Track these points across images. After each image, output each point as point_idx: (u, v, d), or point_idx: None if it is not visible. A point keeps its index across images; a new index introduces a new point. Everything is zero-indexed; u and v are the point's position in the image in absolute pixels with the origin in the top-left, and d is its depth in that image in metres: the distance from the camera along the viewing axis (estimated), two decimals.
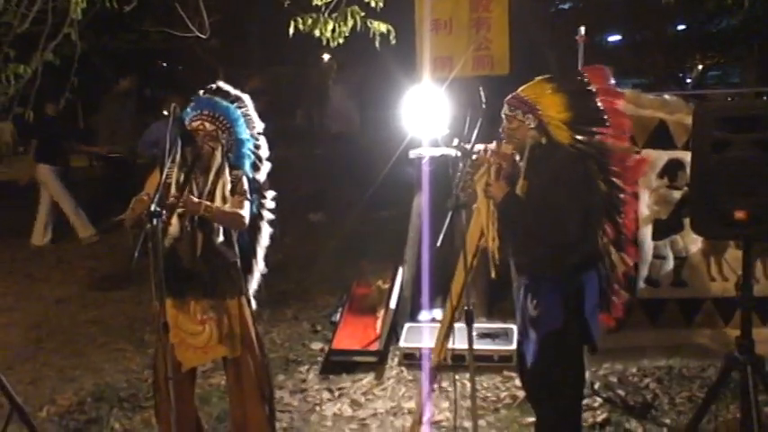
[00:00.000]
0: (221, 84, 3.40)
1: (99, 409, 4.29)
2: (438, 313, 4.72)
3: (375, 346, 4.76)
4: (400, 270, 5.27)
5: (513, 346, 4.33)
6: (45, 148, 8.14)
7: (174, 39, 5.30)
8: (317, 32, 4.09)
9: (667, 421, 3.86)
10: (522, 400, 3.98)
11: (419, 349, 4.54)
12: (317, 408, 4.22)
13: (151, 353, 3.42)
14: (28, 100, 4.02)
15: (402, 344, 4.76)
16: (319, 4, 4.09)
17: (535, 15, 7.08)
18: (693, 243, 3.95)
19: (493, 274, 3.30)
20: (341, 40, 4.16)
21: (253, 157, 3.43)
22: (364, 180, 7.27)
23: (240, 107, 3.38)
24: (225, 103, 3.33)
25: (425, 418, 3.68)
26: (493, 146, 3.12)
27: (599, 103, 3.05)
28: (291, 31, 4.13)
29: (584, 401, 3.89)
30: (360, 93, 8.80)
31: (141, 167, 7.49)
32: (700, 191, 2.89)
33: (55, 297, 6.52)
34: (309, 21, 4.05)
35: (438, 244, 2.79)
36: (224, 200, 3.19)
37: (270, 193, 3.50)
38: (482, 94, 3.08)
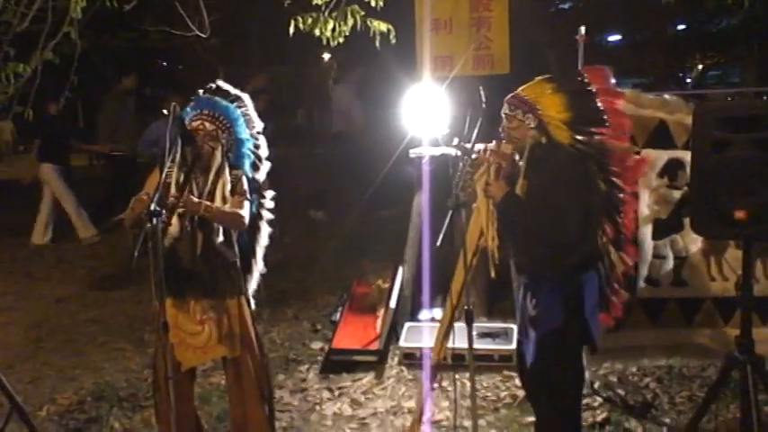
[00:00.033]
0: (221, 83, 3.40)
1: (99, 409, 4.29)
2: (438, 313, 4.72)
3: (375, 346, 4.76)
4: (400, 269, 5.27)
5: (514, 346, 4.33)
6: (48, 147, 8.15)
7: (174, 38, 5.30)
8: (317, 32, 4.08)
9: (667, 421, 3.86)
10: (522, 400, 3.98)
11: (419, 349, 4.54)
12: (317, 407, 4.23)
13: (151, 352, 3.43)
14: (28, 99, 4.02)
15: (402, 343, 4.76)
16: (319, 3, 4.09)
17: (535, 15, 7.08)
18: (693, 243, 3.96)
19: (492, 274, 3.30)
20: (341, 40, 4.16)
21: (252, 156, 3.43)
22: (364, 179, 7.27)
23: (240, 107, 3.37)
24: (225, 102, 3.33)
25: (425, 418, 3.68)
26: (493, 145, 3.11)
27: (599, 104, 3.05)
28: (291, 30, 4.12)
29: (584, 401, 3.90)
30: (363, 92, 8.80)
31: (143, 166, 7.50)
32: (700, 190, 2.89)
33: (55, 296, 6.52)
34: (309, 20, 4.05)
35: (438, 243, 2.79)
36: (224, 200, 3.19)
37: (269, 193, 3.49)
38: (482, 93, 3.08)
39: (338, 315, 5.26)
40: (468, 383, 3.27)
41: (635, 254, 3.42)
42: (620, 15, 10.79)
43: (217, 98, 3.33)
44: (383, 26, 4.15)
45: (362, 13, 4.05)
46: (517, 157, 3.08)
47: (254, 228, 3.43)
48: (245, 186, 3.29)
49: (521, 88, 3.10)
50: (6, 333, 5.63)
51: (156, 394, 3.31)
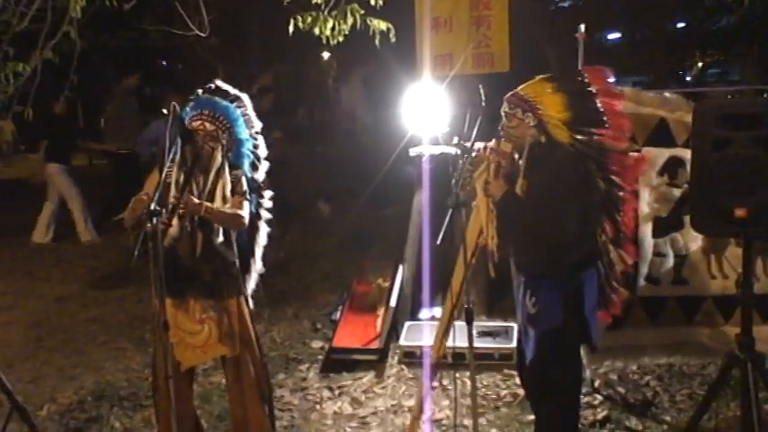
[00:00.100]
0: (220, 83, 3.39)
1: (99, 408, 4.29)
2: (438, 311, 4.72)
3: (375, 345, 4.76)
4: (400, 268, 5.27)
5: (514, 344, 4.34)
6: (55, 147, 8.18)
7: (173, 37, 5.29)
8: (316, 31, 4.08)
9: (668, 419, 3.86)
10: (523, 398, 3.98)
11: (419, 347, 4.55)
12: (318, 406, 4.23)
13: (151, 351, 3.42)
14: (28, 98, 4.02)
15: (402, 342, 4.76)
16: (319, 2, 4.08)
17: (535, 13, 7.07)
18: (694, 241, 3.96)
19: (491, 272, 3.30)
20: (341, 39, 4.15)
21: (252, 156, 3.43)
22: (365, 178, 7.27)
23: (239, 107, 3.37)
24: (224, 102, 3.32)
25: (425, 416, 3.68)
26: (492, 144, 3.11)
27: (599, 104, 3.04)
28: (291, 29, 4.12)
29: (585, 399, 3.90)
30: (369, 91, 8.81)
31: (146, 164, 7.51)
32: (700, 188, 2.89)
33: (55, 295, 6.52)
34: (309, 19, 4.05)
35: (438, 242, 2.80)
36: (224, 200, 3.19)
37: (268, 193, 3.49)
38: (482, 91, 3.07)
39: (338, 314, 5.26)
40: (469, 382, 3.27)
41: (634, 252, 3.42)
42: (619, 13, 10.79)
43: (216, 98, 3.32)
44: (383, 25, 4.14)
45: (362, 11, 4.04)
46: (517, 156, 3.08)
47: (252, 227, 3.43)
48: (245, 186, 3.29)
49: (520, 87, 3.10)
50: (7, 332, 5.64)
51: (155, 394, 3.31)
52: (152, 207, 2.72)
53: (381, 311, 5.11)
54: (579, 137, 3.01)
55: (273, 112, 7.77)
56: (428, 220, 4.76)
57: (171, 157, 3.02)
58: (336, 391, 4.38)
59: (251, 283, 3.51)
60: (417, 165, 4.98)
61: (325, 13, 4.06)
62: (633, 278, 3.81)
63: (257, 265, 3.51)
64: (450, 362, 3.57)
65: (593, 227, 3.10)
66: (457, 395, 3.58)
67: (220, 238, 3.22)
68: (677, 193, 3.89)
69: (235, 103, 3.35)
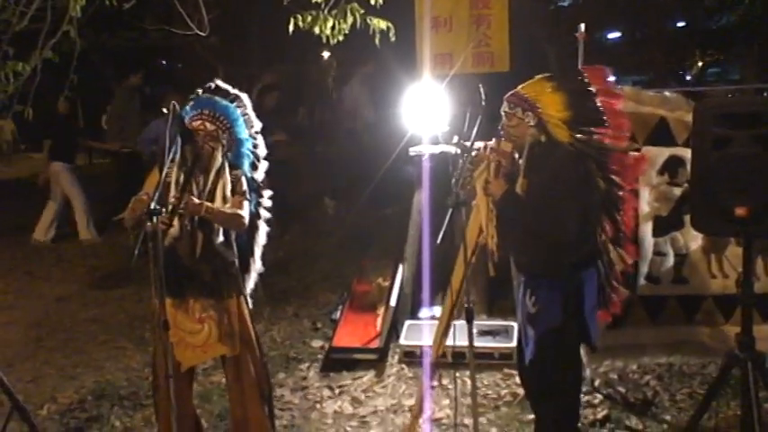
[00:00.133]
0: (220, 82, 3.39)
1: (100, 407, 4.29)
2: (438, 311, 4.72)
3: (375, 344, 4.76)
4: (400, 267, 5.27)
5: (514, 344, 4.34)
6: (59, 145, 8.20)
7: (173, 36, 5.29)
8: (316, 30, 4.08)
9: (668, 418, 3.86)
10: (523, 398, 3.97)
11: (419, 346, 4.55)
12: (318, 405, 4.23)
13: (151, 351, 3.42)
14: (27, 98, 4.01)
15: (402, 341, 4.76)
16: (319, 1, 4.08)
17: (535, 12, 7.08)
18: (694, 240, 3.95)
19: (491, 271, 3.30)
20: (340, 38, 4.15)
21: (251, 156, 3.43)
22: (365, 178, 7.27)
23: (239, 106, 3.37)
24: (225, 102, 3.32)
25: (424, 415, 3.68)
26: (492, 143, 3.11)
27: (598, 104, 3.04)
28: (291, 28, 4.12)
29: (585, 398, 3.90)
30: (371, 90, 8.77)
31: (149, 163, 7.51)
32: (700, 188, 2.89)
33: (55, 295, 6.52)
34: (309, 18, 4.04)
35: (438, 241, 2.80)
36: (224, 200, 3.19)
37: (267, 192, 3.49)
38: (482, 91, 3.07)
39: (338, 313, 5.26)
40: (469, 381, 3.27)
41: (634, 252, 3.42)
42: (619, 13, 10.78)
43: (217, 98, 3.32)
44: (383, 24, 4.14)
45: (362, 10, 4.04)
46: (517, 156, 3.08)
47: (252, 227, 3.42)
48: (245, 186, 3.29)
49: (521, 86, 3.10)
50: (7, 332, 5.64)
51: (155, 393, 3.31)
52: (152, 206, 2.72)
53: (381, 311, 5.11)
54: (579, 136, 3.01)
55: (278, 110, 7.79)
56: (428, 220, 4.76)
57: (171, 156, 3.02)
58: (336, 391, 4.38)
59: (250, 283, 3.51)
60: (417, 164, 4.98)
61: (325, 12, 4.05)
62: (633, 277, 3.81)
63: (256, 265, 3.51)
64: (451, 361, 3.57)
65: (593, 226, 3.10)
66: (457, 394, 3.58)
67: (220, 238, 3.22)
68: (677, 192, 3.89)
69: (235, 103, 3.35)
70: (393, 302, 5.10)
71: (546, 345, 3.04)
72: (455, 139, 3.16)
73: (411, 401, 4.15)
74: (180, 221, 3.10)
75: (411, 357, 4.64)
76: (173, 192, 3.09)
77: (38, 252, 7.99)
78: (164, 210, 2.83)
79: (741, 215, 2.76)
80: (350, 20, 4.03)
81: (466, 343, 3.07)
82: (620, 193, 3.08)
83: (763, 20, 10.64)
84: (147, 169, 3.38)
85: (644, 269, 3.96)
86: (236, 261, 3.33)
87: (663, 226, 3.95)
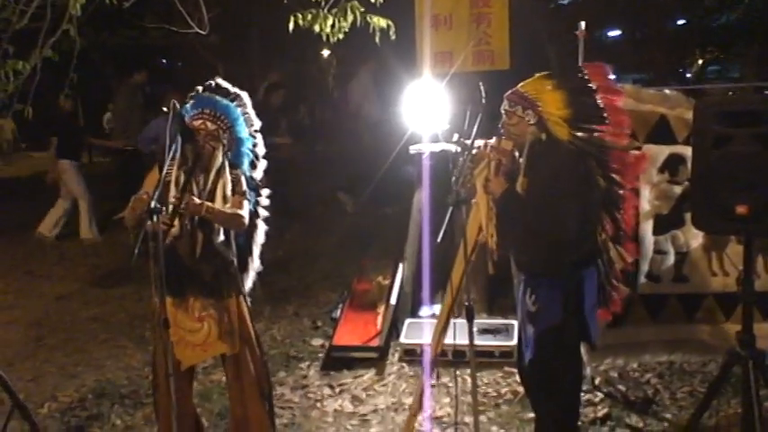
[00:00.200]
0: (220, 81, 3.38)
1: (100, 406, 4.29)
2: (438, 309, 4.72)
3: (376, 342, 4.77)
4: (401, 266, 5.27)
5: (514, 342, 4.34)
6: (66, 143, 8.21)
7: (173, 35, 5.29)
8: (316, 28, 4.07)
9: (668, 416, 3.86)
10: (523, 396, 3.97)
11: (420, 345, 4.55)
12: (318, 404, 4.23)
13: (152, 350, 3.43)
14: (27, 97, 4.01)
15: (402, 340, 4.76)
16: None
17: (535, 11, 7.07)
18: (694, 238, 3.95)
19: (490, 269, 3.30)
20: (340, 36, 4.14)
21: (251, 155, 3.43)
22: (365, 177, 7.27)
23: (239, 105, 3.36)
24: (225, 101, 3.31)
25: (423, 413, 3.68)
26: (493, 141, 3.11)
27: (599, 101, 3.04)
28: (291, 26, 4.11)
29: (586, 397, 3.90)
30: (378, 88, 8.75)
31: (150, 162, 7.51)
32: (701, 186, 2.89)
33: (56, 294, 6.53)
34: (309, 16, 4.04)
35: (438, 240, 2.79)
36: (224, 199, 3.18)
37: (265, 191, 3.49)
38: (482, 89, 3.07)
39: (339, 312, 5.26)
40: (469, 379, 3.27)
41: (634, 250, 3.42)
42: (619, 11, 10.78)
43: (217, 97, 3.31)
44: (383, 22, 4.14)
45: (362, 9, 4.04)
46: (517, 154, 3.08)
47: (251, 226, 3.42)
48: (245, 186, 3.29)
49: (521, 84, 3.10)
50: (7, 331, 5.64)
51: (156, 392, 3.31)
52: (152, 205, 2.72)
53: (382, 309, 5.11)
54: (579, 134, 3.00)
55: (283, 108, 7.80)
56: (428, 218, 4.76)
57: (171, 155, 3.01)
58: (337, 389, 4.38)
59: (249, 282, 3.51)
60: (417, 162, 4.98)
61: (325, 10, 4.05)
62: (634, 276, 3.80)
63: (255, 264, 3.51)
64: (451, 359, 3.58)
65: (594, 225, 3.10)
66: (457, 393, 3.58)
67: (221, 238, 3.22)
68: (678, 190, 3.89)
69: (235, 102, 3.35)
70: (393, 301, 5.10)
71: (546, 343, 3.04)
72: (455, 137, 3.16)
73: (411, 400, 4.15)
74: (180, 221, 3.09)
75: (411, 356, 4.64)
76: (173, 191, 3.08)
77: (38, 251, 7.99)
78: (164, 209, 2.83)
79: (742, 213, 2.76)
80: (350, 18, 4.03)
81: (466, 341, 3.07)
82: (621, 191, 3.07)
83: (763, 18, 10.64)
84: (148, 168, 3.37)
85: (644, 267, 3.95)
86: (235, 260, 3.33)
87: (663, 224, 3.95)
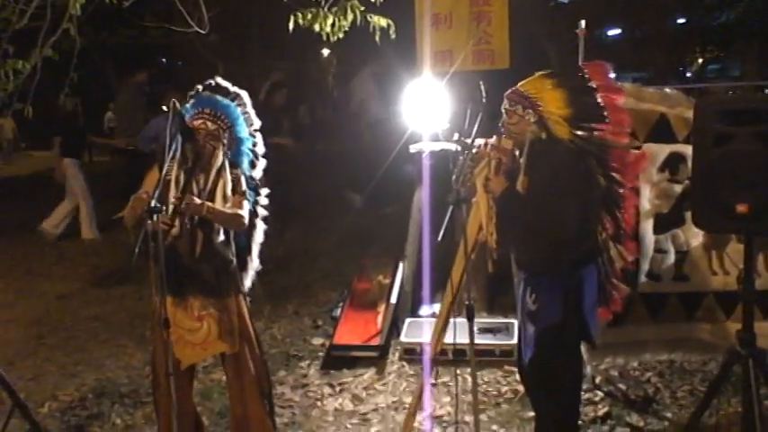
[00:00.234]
0: (220, 80, 3.38)
1: (100, 405, 4.29)
2: (439, 308, 4.72)
3: (376, 341, 4.77)
4: (401, 265, 5.27)
5: (514, 341, 4.34)
6: (69, 142, 8.24)
7: (173, 34, 5.29)
8: (316, 27, 4.07)
9: (669, 415, 3.86)
10: (523, 395, 3.97)
11: (420, 344, 4.54)
12: (319, 403, 4.23)
13: (152, 349, 3.43)
14: (27, 96, 4.01)
15: (403, 339, 4.76)
16: None
17: (535, 10, 7.07)
18: (695, 237, 3.95)
19: (490, 268, 3.30)
20: (340, 35, 4.14)
21: (251, 155, 3.42)
22: (366, 177, 7.27)
23: (239, 105, 3.36)
24: (226, 101, 3.30)
25: (423, 411, 3.68)
26: (493, 140, 3.11)
27: (599, 100, 3.04)
28: (291, 26, 4.11)
29: (586, 395, 3.90)
30: (380, 85, 8.74)
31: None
32: (701, 184, 2.88)
33: (56, 293, 6.53)
34: (309, 15, 4.04)
35: (439, 239, 2.79)
36: (224, 199, 3.18)
37: (264, 191, 3.48)
38: (482, 88, 3.07)
39: (339, 311, 5.27)
40: (470, 378, 3.27)
41: (634, 249, 3.42)
42: (619, 10, 10.79)
43: (218, 96, 3.31)
44: (383, 21, 4.13)
45: (362, 8, 4.04)
46: (517, 153, 3.08)
47: (250, 225, 3.42)
48: (245, 186, 3.29)
49: (521, 83, 3.09)
50: (8, 330, 5.64)
51: (156, 391, 3.31)
52: (152, 204, 2.72)
53: (382, 308, 5.11)
54: (580, 133, 3.00)
55: (286, 107, 7.79)
56: (428, 217, 4.76)
57: (171, 154, 3.01)
58: (337, 388, 4.38)
59: (248, 281, 3.51)
60: (418, 161, 4.98)
61: (325, 9, 4.05)
62: (634, 274, 3.81)
63: (254, 263, 3.51)
64: (451, 358, 3.57)
65: (594, 224, 3.10)
66: (458, 392, 3.59)
67: (221, 237, 3.22)
68: (678, 189, 3.89)
69: (235, 102, 3.34)
70: (393, 300, 5.10)
71: (546, 342, 3.04)
72: (455, 136, 3.16)
73: (411, 399, 4.16)
74: (180, 221, 3.09)
75: (411, 355, 4.64)
76: (173, 190, 3.08)
77: (39, 250, 8.00)
78: (164, 208, 2.83)
79: (742, 212, 2.75)
80: (350, 17, 4.03)
81: (467, 340, 3.07)
82: (621, 190, 3.07)
83: (763, 17, 10.64)
84: (148, 167, 3.37)
85: (645, 266, 3.95)
86: (235, 259, 3.33)
87: (664, 223, 3.95)
